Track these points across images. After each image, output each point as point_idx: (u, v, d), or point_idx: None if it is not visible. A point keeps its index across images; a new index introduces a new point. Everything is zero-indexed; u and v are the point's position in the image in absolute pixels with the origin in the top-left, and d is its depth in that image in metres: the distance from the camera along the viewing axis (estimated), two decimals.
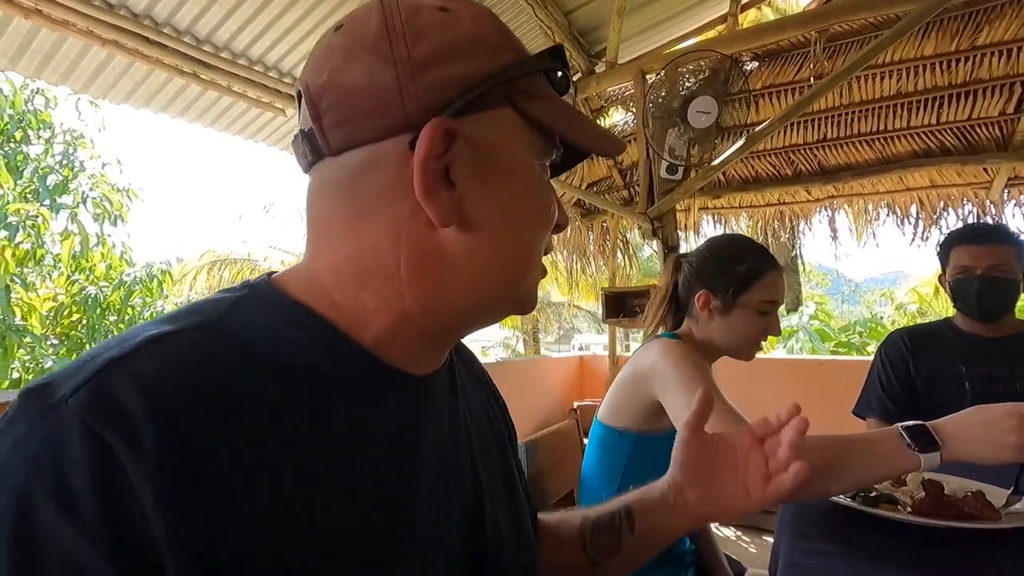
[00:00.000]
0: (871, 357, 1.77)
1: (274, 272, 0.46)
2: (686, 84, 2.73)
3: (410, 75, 0.39)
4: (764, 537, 2.94)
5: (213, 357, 0.36)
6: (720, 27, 3.24)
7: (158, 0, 2.19)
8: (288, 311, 0.41)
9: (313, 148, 0.42)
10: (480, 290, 0.43)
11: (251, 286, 0.43)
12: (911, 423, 0.78)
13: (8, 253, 4.37)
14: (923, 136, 3.04)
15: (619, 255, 4.51)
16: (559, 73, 0.45)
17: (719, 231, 4.19)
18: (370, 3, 0.43)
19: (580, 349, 17.29)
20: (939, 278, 1.61)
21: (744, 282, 1.10)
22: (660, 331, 1.21)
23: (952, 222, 3.36)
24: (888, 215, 3.58)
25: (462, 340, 0.56)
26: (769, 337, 1.14)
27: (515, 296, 0.46)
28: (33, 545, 0.28)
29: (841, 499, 0.88)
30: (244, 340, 0.38)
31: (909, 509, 0.85)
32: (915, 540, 0.79)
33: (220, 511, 0.32)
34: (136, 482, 0.29)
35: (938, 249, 1.60)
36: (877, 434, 0.81)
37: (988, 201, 3.24)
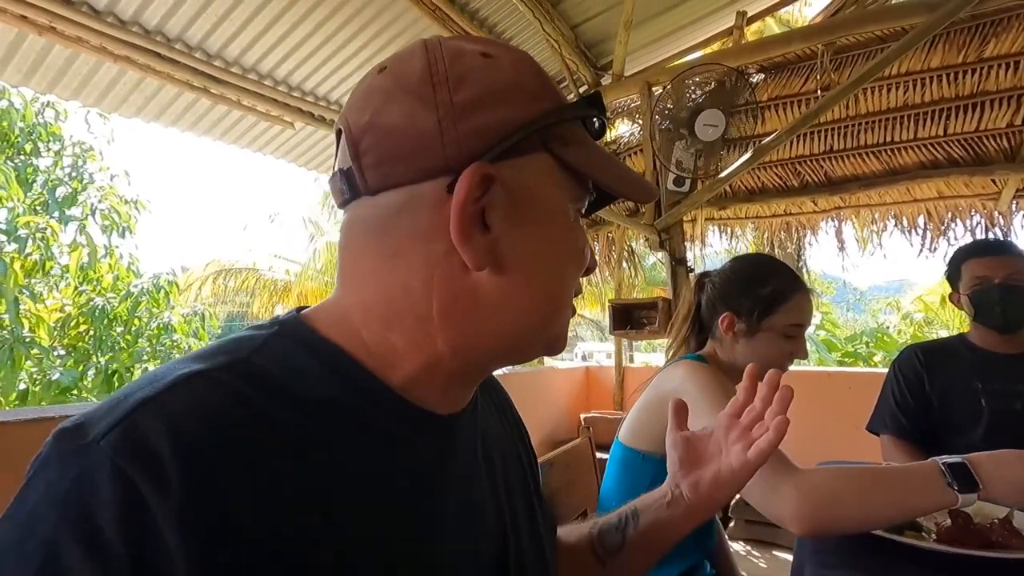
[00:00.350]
0: (879, 368, 1.75)
1: (304, 308, 0.46)
2: (693, 96, 2.74)
3: (452, 120, 0.39)
4: (775, 553, 2.90)
5: (242, 397, 0.36)
6: (726, 40, 3.26)
7: (170, 16, 2.21)
8: (317, 349, 0.41)
9: (351, 187, 0.42)
10: (512, 332, 0.44)
11: (281, 323, 0.43)
12: (952, 460, 0.76)
13: (17, 265, 4.39)
14: (930, 147, 3.04)
15: (624, 265, 4.52)
16: (595, 120, 0.46)
17: (725, 242, 4.19)
18: (414, 46, 0.43)
19: (584, 358, 17.26)
20: (949, 296, 1.59)
21: (769, 305, 1.07)
22: (683, 352, 1.19)
23: (960, 233, 3.36)
24: (895, 226, 3.57)
25: None
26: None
27: (546, 338, 0.46)
28: None
29: None
30: (273, 378, 0.38)
31: (934, 537, 0.84)
32: (941, 569, 0.78)
33: (244, 556, 0.32)
34: (162, 525, 0.29)
35: (946, 268, 1.59)
36: (916, 467, 0.79)
37: (996, 212, 3.23)
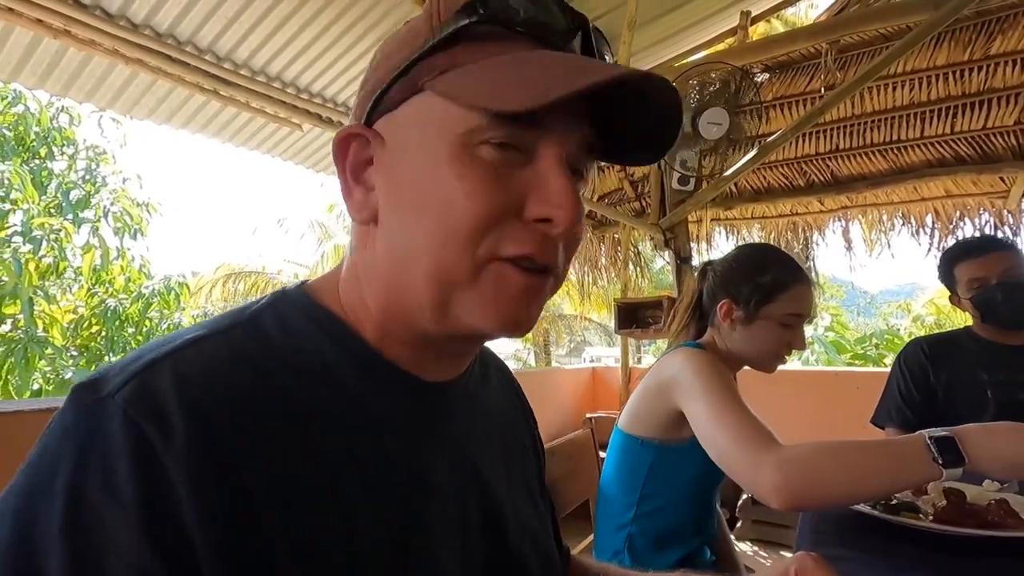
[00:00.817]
0: (886, 368, 1.74)
1: (307, 280, 0.48)
2: (697, 96, 2.75)
3: (357, 94, 0.45)
4: (782, 552, 2.88)
5: (243, 355, 0.38)
6: (730, 40, 3.26)
7: (181, 19, 2.26)
8: (310, 310, 0.44)
9: None
10: (403, 286, 0.41)
11: (284, 291, 0.46)
12: (939, 433, 0.75)
13: (32, 266, 4.47)
14: (937, 145, 3.02)
15: (631, 266, 4.52)
16: (517, 14, 0.38)
17: (731, 242, 4.18)
18: None
19: (591, 362, 17.20)
20: (950, 299, 1.57)
21: (767, 293, 1.07)
22: (683, 339, 1.20)
23: (969, 231, 3.33)
24: (903, 225, 3.55)
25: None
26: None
27: (454, 316, 0.40)
28: (83, 524, 0.30)
29: (862, 507, 0.87)
30: (271, 338, 0.40)
31: (931, 517, 0.84)
32: (937, 549, 0.78)
33: (245, 503, 0.33)
34: (171, 471, 0.31)
35: (938, 272, 1.56)
36: (902, 441, 0.78)
37: (1005, 211, 3.21)
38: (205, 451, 0.33)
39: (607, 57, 0.43)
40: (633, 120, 0.42)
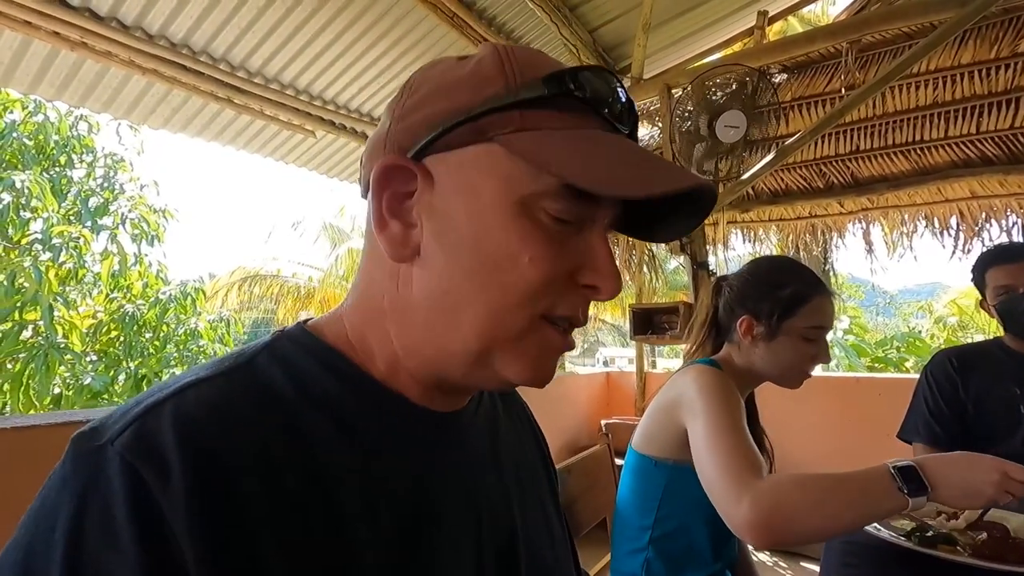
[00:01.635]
0: (910, 374, 1.69)
1: (308, 319, 0.48)
2: (713, 98, 2.70)
3: (396, 121, 0.42)
4: (802, 563, 2.82)
5: (242, 394, 0.38)
6: (747, 40, 3.21)
7: (195, 29, 2.27)
8: (310, 348, 0.43)
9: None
10: (440, 335, 0.40)
11: (284, 331, 0.45)
12: (901, 463, 0.76)
13: (52, 273, 4.55)
14: (962, 146, 2.94)
15: (645, 269, 4.47)
16: (587, 95, 0.39)
17: (748, 245, 4.12)
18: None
19: (604, 363, 17.11)
20: (979, 304, 1.54)
21: (788, 307, 1.05)
22: (698, 356, 1.17)
23: (996, 234, 3.24)
24: (926, 227, 3.46)
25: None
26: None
27: (488, 362, 0.40)
28: (82, 571, 0.30)
29: (893, 537, 0.83)
30: (272, 376, 0.40)
31: (969, 551, 0.80)
32: None
33: (245, 541, 0.33)
34: (167, 511, 0.31)
35: (972, 274, 1.53)
36: (866, 473, 0.77)
37: None
38: (203, 488, 0.32)
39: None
40: (672, 212, 0.44)
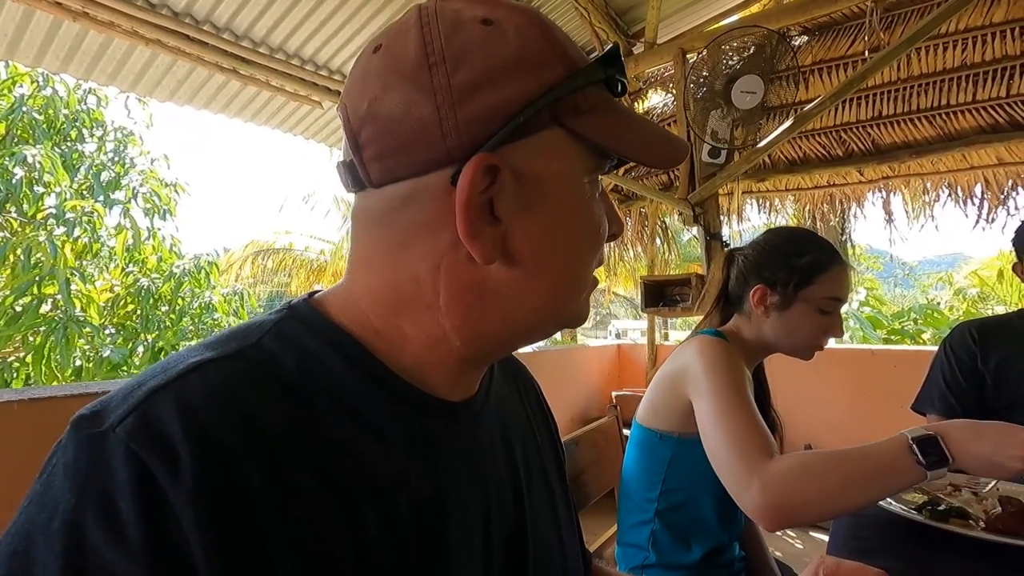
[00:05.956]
0: (927, 347, 1.66)
1: (315, 292, 0.46)
2: (729, 63, 2.60)
3: (451, 106, 0.37)
4: (811, 533, 2.84)
5: (251, 381, 0.36)
6: (766, 1, 3.08)
7: None
8: (327, 334, 0.41)
9: (355, 180, 0.41)
10: (524, 319, 0.43)
11: (292, 307, 0.43)
12: (921, 433, 0.72)
13: (67, 248, 4.60)
14: (991, 110, 2.82)
15: (658, 241, 4.41)
16: (618, 81, 0.42)
17: (764, 216, 4.04)
18: (408, 18, 0.40)
19: (617, 335, 17.14)
20: (1013, 267, 1.49)
21: (807, 275, 1.02)
22: (705, 326, 1.15)
23: (1022, 202, 3.13)
24: (948, 196, 3.36)
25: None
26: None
27: (561, 319, 0.44)
28: (84, 566, 0.29)
29: (904, 511, 0.82)
30: (282, 362, 0.38)
31: (983, 525, 0.79)
32: (990, 561, 0.73)
33: (256, 534, 0.32)
34: (176, 505, 0.30)
35: (1015, 237, 1.48)
36: (883, 446, 0.74)
37: None
38: (212, 484, 0.31)
39: None
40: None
